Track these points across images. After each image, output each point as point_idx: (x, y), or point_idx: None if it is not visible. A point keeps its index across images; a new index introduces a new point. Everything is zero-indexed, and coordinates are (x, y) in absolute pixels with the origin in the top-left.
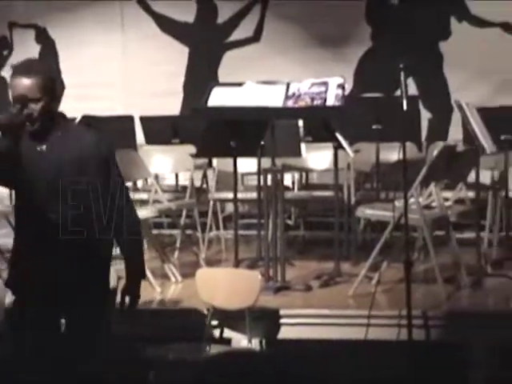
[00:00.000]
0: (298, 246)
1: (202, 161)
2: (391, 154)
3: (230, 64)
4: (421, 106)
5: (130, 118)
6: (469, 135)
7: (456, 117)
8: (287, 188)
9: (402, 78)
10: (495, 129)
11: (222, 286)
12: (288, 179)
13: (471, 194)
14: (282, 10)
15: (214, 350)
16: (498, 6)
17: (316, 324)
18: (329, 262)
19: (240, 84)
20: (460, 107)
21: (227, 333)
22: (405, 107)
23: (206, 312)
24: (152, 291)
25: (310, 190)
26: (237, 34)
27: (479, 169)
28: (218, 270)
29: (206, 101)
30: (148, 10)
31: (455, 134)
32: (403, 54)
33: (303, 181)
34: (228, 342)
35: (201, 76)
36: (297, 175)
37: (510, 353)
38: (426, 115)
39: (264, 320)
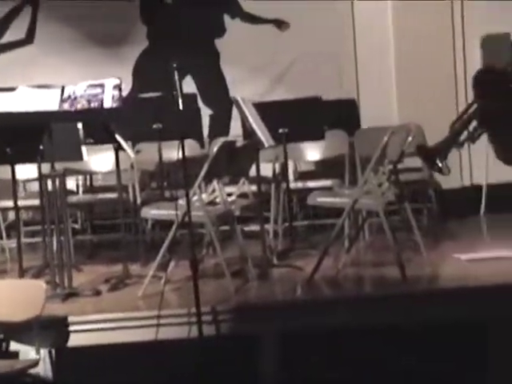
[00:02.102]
0: (86, 251)
1: None
2: (174, 152)
3: (2, 68)
4: (201, 103)
5: None
6: (248, 130)
7: (237, 112)
8: (71, 192)
9: (176, 77)
10: (273, 122)
11: (4, 298)
12: (72, 183)
13: (254, 188)
14: (54, 11)
15: (1, 364)
16: (271, 4)
17: (106, 329)
18: (118, 265)
19: (12, 89)
20: (237, 103)
21: (14, 346)
22: (181, 106)
23: None
24: None
25: (95, 192)
26: (8, 37)
27: (259, 163)
28: (0, 282)
29: None
30: None
31: (237, 129)
32: (179, 53)
33: (87, 184)
34: (16, 355)
35: None
36: (81, 178)
37: (297, 340)
38: (206, 112)
39: (52, 329)
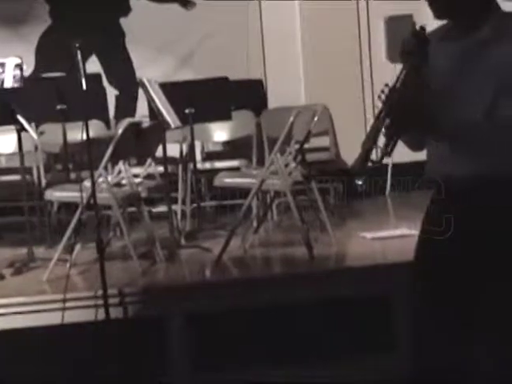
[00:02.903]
0: None
1: None
2: (79, 133)
3: None
4: (106, 84)
5: None
6: (154, 111)
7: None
8: None
9: (79, 57)
10: (179, 103)
11: None
12: None
13: (161, 169)
14: None
15: None
16: None
17: (12, 313)
18: (22, 248)
19: None
20: (142, 84)
21: None
22: (84, 87)
23: None
24: None
25: None
26: None
27: (166, 143)
28: None
29: None
30: None
31: (144, 110)
32: (83, 32)
33: None
34: None
35: None
36: None
37: (207, 320)
38: (113, 92)
39: None
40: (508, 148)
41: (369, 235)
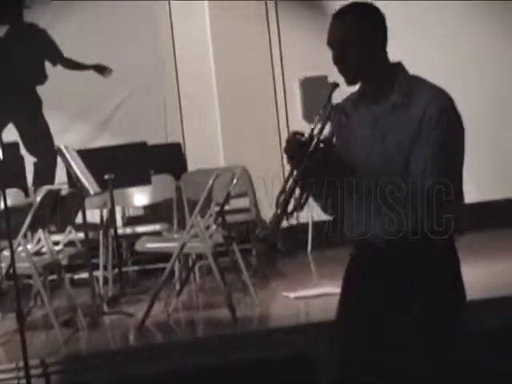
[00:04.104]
0: None
1: None
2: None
3: None
4: (24, 151)
5: None
6: (73, 178)
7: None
8: None
9: None
10: (98, 169)
11: None
12: None
13: (81, 235)
14: None
15: None
16: (93, 49)
17: None
18: None
19: None
20: (60, 151)
21: None
22: (1, 156)
23: None
24: None
25: None
26: None
27: (85, 210)
28: None
29: None
30: None
31: (63, 177)
32: None
33: None
34: None
35: None
36: None
37: None
38: (30, 159)
39: None
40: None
41: (292, 295)
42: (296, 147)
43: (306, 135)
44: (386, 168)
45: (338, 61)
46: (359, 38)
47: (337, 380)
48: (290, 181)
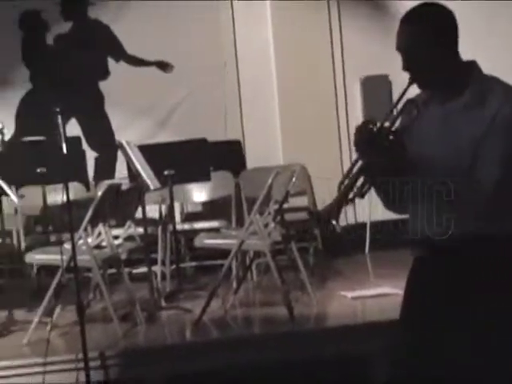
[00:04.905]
0: None
1: None
2: (59, 195)
3: None
4: (86, 146)
5: None
6: (133, 173)
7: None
8: None
9: (59, 121)
10: (159, 165)
11: None
12: None
13: (141, 230)
14: None
15: None
16: (154, 46)
17: None
18: (2, 311)
19: None
20: (121, 146)
21: None
22: (65, 151)
23: None
24: None
25: None
26: None
27: (145, 205)
28: None
29: None
30: None
31: (123, 171)
32: (63, 96)
33: None
34: None
35: None
36: None
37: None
38: (92, 154)
39: None
40: (484, 206)
41: (349, 294)
42: (365, 135)
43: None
44: (451, 166)
45: (409, 66)
46: (432, 41)
47: (393, 380)
48: (355, 167)
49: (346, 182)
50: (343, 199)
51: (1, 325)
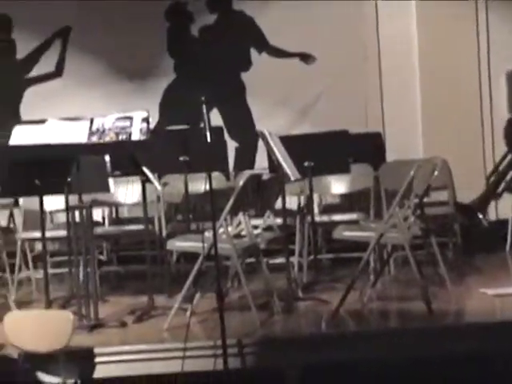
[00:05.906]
0: (111, 282)
1: (8, 200)
2: (200, 184)
3: (32, 100)
4: (227, 136)
5: None
6: (273, 163)
7: (262, 145)
8: (98, 223)
9: (204, 110)
10: (299, 156)
11: (31, 328)
12: (98, 214)
13: (279, 221)
14: (83, 44)
15: None
16: (296, 38)
17: (132, 360)
18: (143, 296)
19: (42, 121)
20: (263, 136)
21: (41, 376)
22: (208, 139)
23: (17, 357)
24: None
25: (121, 224)
26: (38, 70)
27: (285, 196)
28: (27, 313)
29: (7, 140)
30: None
31: (263, 162)
32: (206, 86)
33: (113, 215)
34: None
35: (1, 113)
36: (107, 210)
37: (324, 372)
38: (232, 144)
39: (78, 360)
40: None
41: (490, 291)
42: None
43: None
44: None
45: None
46: None
47: None
48: (505, 162)
49: (494, 176)
50: (491, 193)
51: (142, 309)
